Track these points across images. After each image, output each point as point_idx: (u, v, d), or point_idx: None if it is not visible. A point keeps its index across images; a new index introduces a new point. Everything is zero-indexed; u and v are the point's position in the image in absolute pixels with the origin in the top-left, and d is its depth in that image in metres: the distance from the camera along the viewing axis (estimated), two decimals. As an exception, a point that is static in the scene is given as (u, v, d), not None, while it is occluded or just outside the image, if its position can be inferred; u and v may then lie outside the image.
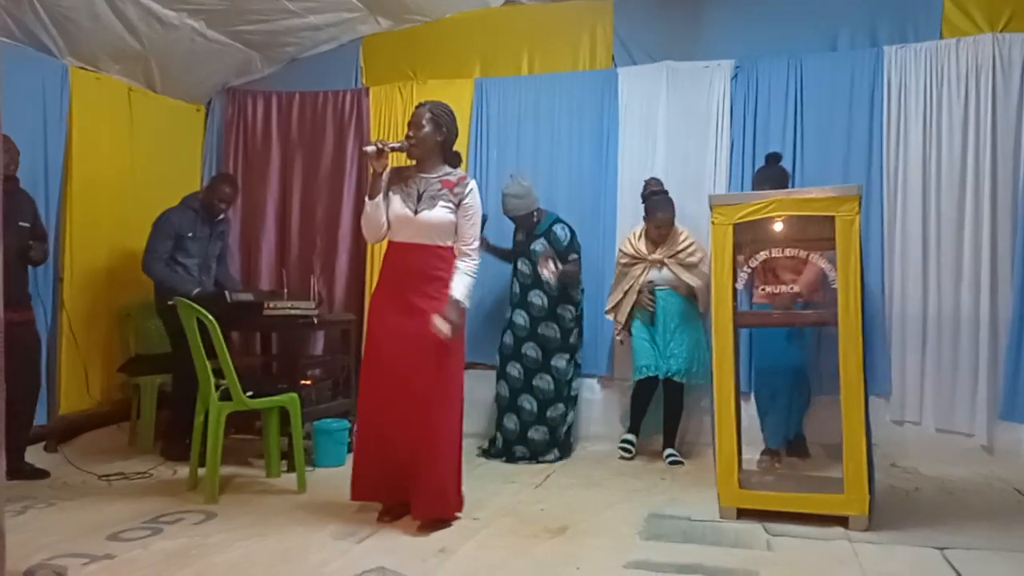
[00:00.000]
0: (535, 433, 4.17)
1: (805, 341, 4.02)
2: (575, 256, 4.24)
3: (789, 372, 3.93)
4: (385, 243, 3.14)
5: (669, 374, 4.13)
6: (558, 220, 4.28)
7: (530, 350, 4.20)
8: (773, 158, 4.07)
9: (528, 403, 4.19)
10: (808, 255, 3.11)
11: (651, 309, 4.20)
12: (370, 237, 3.17)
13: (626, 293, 4.26)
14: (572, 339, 4.26)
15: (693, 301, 4.26)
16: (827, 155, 4.28)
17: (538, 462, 4.10)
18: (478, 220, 3.10)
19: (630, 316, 4.27)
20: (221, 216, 4.41)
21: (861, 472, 2.88)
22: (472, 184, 3.08)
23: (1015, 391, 3.98)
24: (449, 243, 3.04)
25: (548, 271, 4.11)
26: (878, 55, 4.30)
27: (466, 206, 3.03)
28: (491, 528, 2.94)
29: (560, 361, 4.20)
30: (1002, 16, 4.13)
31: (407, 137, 3.05)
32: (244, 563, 2.54)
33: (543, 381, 4.19)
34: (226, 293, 4.03)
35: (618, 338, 4.37)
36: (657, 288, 4.22)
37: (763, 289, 3.59)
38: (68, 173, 4.28)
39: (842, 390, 2.93)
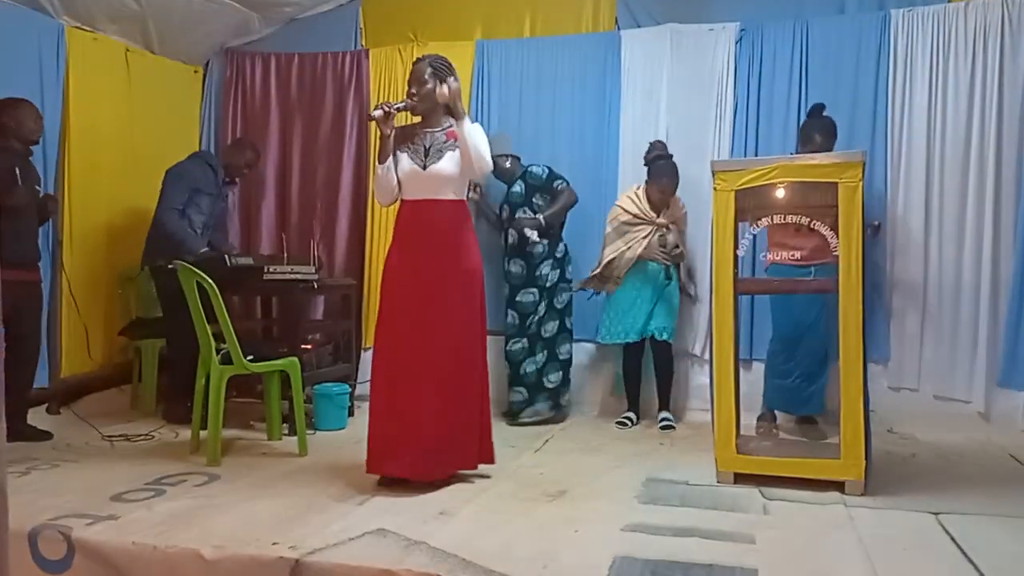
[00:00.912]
0: (514, 394, 4.28)
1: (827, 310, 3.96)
2: (561, 182, 4.28)
3: (810, 340, 3.86)
4: (392, 206, 3.14)
5: (657, 334, 4.13)
6: (532, 165, 4.33)
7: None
8: (818, 109, 3.95)
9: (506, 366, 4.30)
10: (812, 222, 3.09)
11: (667, 263, 4.20)
12: (383, 200, 3.13)
13: (628, 248, 4.19)
14: (547, 284, 4.26)
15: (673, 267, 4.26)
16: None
17: (520, 422, 4.18)
18: (484, 140, 2.99)
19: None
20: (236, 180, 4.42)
21: (858, 438, 2.90)
22: (469, 119, 3.02)
23: (1014, 358, 3.99)
24: (462, 196, 3.04)
25: (530, 231, 4.16)
26: (885, 18, 4.24)
27: (464, 132, 2.94)
28: (491, 491, 2.97)
29: (527, 300, 4.24)
30: (1013, -25, 4.06)
31: (409, 95, 3.02)
32: (247, 524, 2.57)
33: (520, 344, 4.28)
34: (226, 257, 4.02)
35: (603, 292, 4.34)
36: (660, 260, 4.20)
37: (781, 254, 3.57)
38: (65, 135, 4.25)
39: (841, 356, 2.93)
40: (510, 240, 4.29)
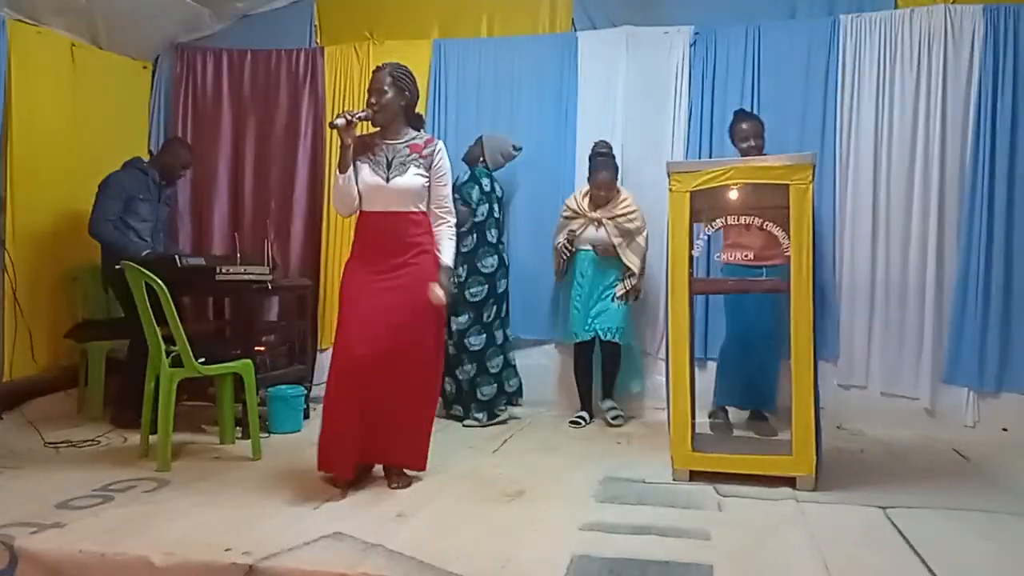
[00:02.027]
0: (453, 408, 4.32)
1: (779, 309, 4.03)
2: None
3: (762, 339, 3.91)
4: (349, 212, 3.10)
5: (603, 334, 4.17)
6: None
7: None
8: (744, 112, 4.05)
9: None
10: (764, 223, 3.14)
11: (564, 256, 4.25)
12: (343, 210, 3.07)
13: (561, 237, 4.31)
14: (473, 299, 4.24)
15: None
16: (783, 123, 4.29)
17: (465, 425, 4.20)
18: (450, 180, 3.10)
19: (566, 268, 4.32)
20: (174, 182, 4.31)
21: (809, 435, 2.96)
22: (440, 145, 3.06)
23: (958, 356, 4.13)
24: (423, 208, 3.02)
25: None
26: (834, 24, 4.33)
27: (437, 168, 3.02)
28: (449, 492, 2.96)
29: (460, 315, 4.22)
30: (957, -14, 4.18)
31: (369, 104, 2.99)
32: (198, 530, 2.51)
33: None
34: (176, 257, 3.93)
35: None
36: (592, 248, 4.24)
37: (735, 255, 3.63)
38: (7, 133, 4.10)
39: (792, 355, 2.99)
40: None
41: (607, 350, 4.27)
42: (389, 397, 2.91)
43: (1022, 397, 4.06)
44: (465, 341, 4.23)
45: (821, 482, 2.99)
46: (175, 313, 3.29)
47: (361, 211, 3.02)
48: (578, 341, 4.26)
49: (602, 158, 4.24)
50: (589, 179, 4.25)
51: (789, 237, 3.00)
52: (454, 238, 3.10)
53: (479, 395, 4.24)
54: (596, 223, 4.24)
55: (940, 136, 4.16)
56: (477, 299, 4.23)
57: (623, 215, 4.22)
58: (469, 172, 4.31)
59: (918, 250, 4.20)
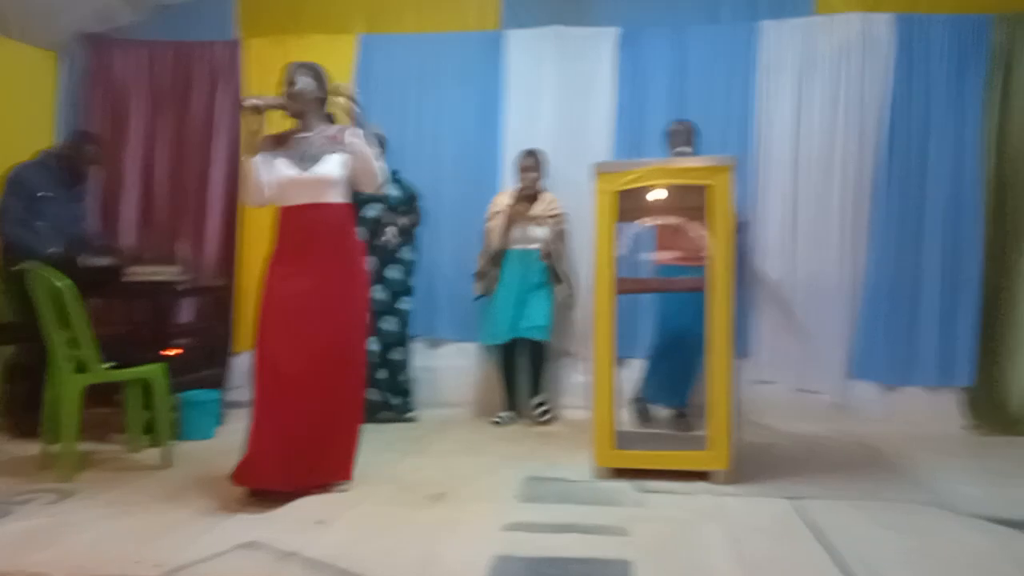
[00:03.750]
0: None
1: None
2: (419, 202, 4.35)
3: (691, 338, 3.95)
4: (265, 207, 3.03)
5: (530, 333, 4.19)
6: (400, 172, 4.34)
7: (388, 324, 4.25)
8: (678, 121, 4.15)
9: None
10: (687, 223, 3.21)
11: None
12: (252, 199, 2.98)
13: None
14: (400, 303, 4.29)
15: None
16: (707, 125, 4.33)
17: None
18: (373, 155, 2.98)
19: (493, 274, 4.31)
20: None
21: (724, 430, 3.04)
22: (355, 129, 2.99)
23: (865, 352, 4.31)
24: (343, 199, 2.97)
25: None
26: (755, 29, 4.44)
27: (354, 145, 2.95)
28: (370, 497, 2.91)
29: (389, 324, 4.26)
30: (872, -6, 4.35)
31: (286, 95, 2.93)
32: (106, 543, 2.41)
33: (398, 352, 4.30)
34: (80, 257, 3.74)
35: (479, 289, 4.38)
36: (524, 247, 4.26)
37: (666, 255, 3.70)
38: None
39: (710, 353, 3.07)
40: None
41: (534, 349, 4.28)
42: (319, 414, 2.84)
43: (926, 391, 4.27)
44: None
45: (736, 476, 3.07)
46: (83, 315, 3.14)
47: (283, 207, 2.95)
48: (502, 342, 4.26)
49: (531, 158, 4.29)
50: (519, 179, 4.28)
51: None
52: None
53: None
54: (531, 222, 4.25)
55: (854, 140, 4.32)
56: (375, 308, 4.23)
57: (555, 216, 4.28)
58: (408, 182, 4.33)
59: (830, 251, 4.36)
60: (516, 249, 4.28)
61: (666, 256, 3.95)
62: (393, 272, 4.26)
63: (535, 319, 4.20)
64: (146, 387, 3.45)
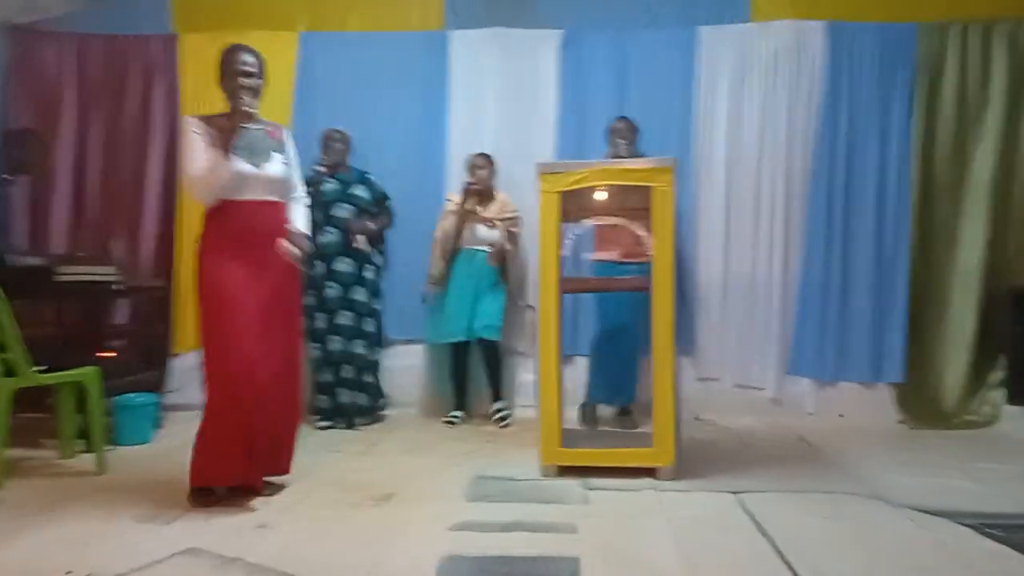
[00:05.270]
0: (358, 398, 4.23)
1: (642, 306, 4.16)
2: (390, 202, 4.35)
3: (628, 335, 4.03)
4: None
5: (484, 332, 4.19)
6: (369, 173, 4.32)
7: (344, 319, 4.18)
8: (621, 118, 4.18)
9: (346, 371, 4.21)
10: (629, 223, 3.25)
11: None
12: (210, 196, 2.80)
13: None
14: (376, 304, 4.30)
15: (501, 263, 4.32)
16: (647, 127, 4.38)
17: (355, 427, 4.13)
18: (298, 164, 3.08)
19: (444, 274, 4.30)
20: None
21: (668, 427, 3.09)
22: (287, 130, 3.05)
23: (801, 349, 4.45)
24: (286, 199, 2.96)
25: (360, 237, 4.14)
26: (693, 34, 4.54)
27: (291, 155, 3.00)
28: (315, 499, 2.87)
29: (370, 325, 4.24)
30: (804, 2, 4.48)
31: (240, 84, 2.79)
32: (34, 552, 2.31)
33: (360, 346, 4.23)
34: (4, 257, 3.59)
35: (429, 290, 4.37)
36: (480, 248, 4.26)
37: (604, 253, 3.73)
38: None
39: (653, 351, 3.12)
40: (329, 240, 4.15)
41: (488, 350, 4.27)
42: (276, 409, 2.82)
43: (857, 386, 4.44)
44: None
45: (680, 471, 3.12)
46: (10, 317, 3.01)
47: (226, 200, 2.79)
48: (453, 341, 4.25)
49: (482, 158, 4.30)
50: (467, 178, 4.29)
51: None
52: (307, 209, 3.09)
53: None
54: (486, 223, 4.25)
55: (788, 143, 4.46)
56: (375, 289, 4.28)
57: (510, 218, 4.29)
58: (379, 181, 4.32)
59: (766, 251, 4.49)
60: (467, 249, 4.27)
61: (603, 254, 4.00)
62: (370, 273, 4.21)
63: (487, 319, 4.20)
64: (79, 391, 3.34)
